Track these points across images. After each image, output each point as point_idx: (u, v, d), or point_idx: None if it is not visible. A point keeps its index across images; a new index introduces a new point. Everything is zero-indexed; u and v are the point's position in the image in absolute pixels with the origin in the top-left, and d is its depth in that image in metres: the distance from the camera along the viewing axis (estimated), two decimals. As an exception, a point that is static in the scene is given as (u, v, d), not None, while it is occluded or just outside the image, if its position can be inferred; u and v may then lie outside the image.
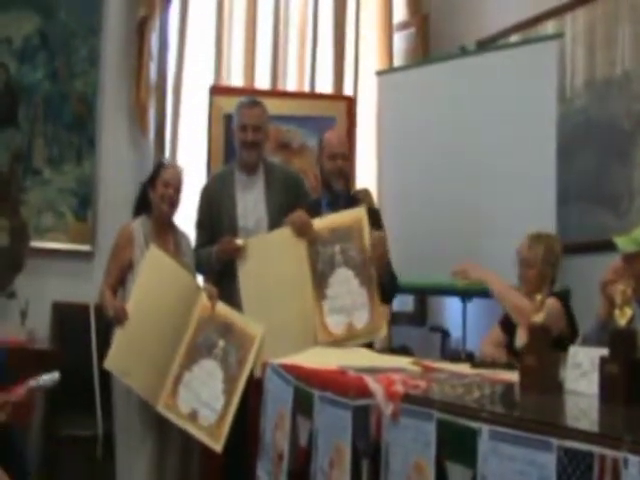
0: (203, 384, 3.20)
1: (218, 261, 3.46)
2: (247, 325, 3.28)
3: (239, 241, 3.39)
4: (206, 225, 3.60)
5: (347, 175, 3.57)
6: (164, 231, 3.42)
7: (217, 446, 3.15)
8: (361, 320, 3.32)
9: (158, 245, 3.30)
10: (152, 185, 3.41)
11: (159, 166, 3.52)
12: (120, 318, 3.16)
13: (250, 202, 3.59)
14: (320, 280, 3.34)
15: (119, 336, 3.17)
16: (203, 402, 3.17)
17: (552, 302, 2.80)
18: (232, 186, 3.59)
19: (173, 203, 3.41)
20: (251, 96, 3.78)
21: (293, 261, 3.36)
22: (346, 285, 3.34)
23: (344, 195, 3.54)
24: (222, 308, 3.32)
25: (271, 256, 3.39)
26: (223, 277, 3.49)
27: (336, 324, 3.30)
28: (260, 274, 3.37)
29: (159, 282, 3.25)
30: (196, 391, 3.18)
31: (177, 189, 3.41)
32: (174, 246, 3.42)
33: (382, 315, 3.33)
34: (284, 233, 3.39)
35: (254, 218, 3.57)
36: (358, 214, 3.41)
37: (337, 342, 3.26)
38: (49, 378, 2.81)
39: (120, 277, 3.35)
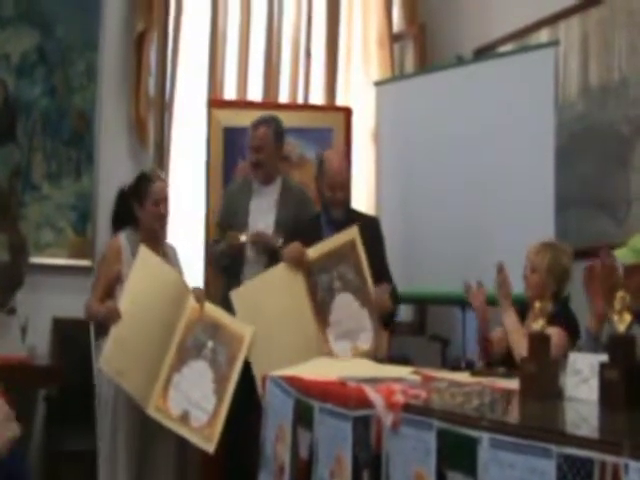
0: (193, 385, 3.17)
1: (222, 255, 3.67)
2: (236, 325, 3.28)
3: (243, 237, 3.54)
4: (223, 224, 3.80)
5: (347, 203, 3.60)
6: (151, 243, 3.38)
7: (209, 447, 3.12)
8: (366, 341, 3.35)
9: None
10: (138, 200, 3.37)
11: (144, 179, 3.43)
12: (114, 317, 3.13)
13: (262, 209, 3.71)
14: (322, 308, 3.37)
15: (113, 335, 3.13)
16: (194, 403, 3.15)
17: (554, 332, 2.75)
18: (249, 192, 3.76)
19: (166, 219, 3.41)
20: (265, 113, 3.88)
21: (292, 295, 3.38)
22: (347, 309, 3.36)
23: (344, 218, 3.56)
24: (210, 309, 3.33)
25: (269, 295, 3.40)
26: (230, 274, 3.66)
27: (342, 350, 3.33)
28: (259, 314, 3.37)
29: (149, 282, 3.24)
30: (186, 392, 3.16)
31: (167, 203, 3.41)
32: (162, 257, 3.39)
33: (384, 336, 3.38)
34: (279, 270, 3.40)
35: (262, 225, 3.67)
36: (350, 235, 3.41)
37: None
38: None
39: (107, 291, 3.31)
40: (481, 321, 3.13)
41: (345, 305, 3.36)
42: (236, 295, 3.43)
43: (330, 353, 3.31)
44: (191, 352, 3.22)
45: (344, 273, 3.37)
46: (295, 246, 3.40)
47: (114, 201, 3.53)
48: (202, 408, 3.14)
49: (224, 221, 3.82)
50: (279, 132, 3.76)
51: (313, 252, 3.39)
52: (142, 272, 3.21)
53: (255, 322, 3.34)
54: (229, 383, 3.17)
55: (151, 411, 3.13)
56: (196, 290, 3.38)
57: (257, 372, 3.23)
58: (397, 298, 3.52)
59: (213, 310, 3.33)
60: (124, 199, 3.45)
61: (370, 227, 3.52)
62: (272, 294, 3.39)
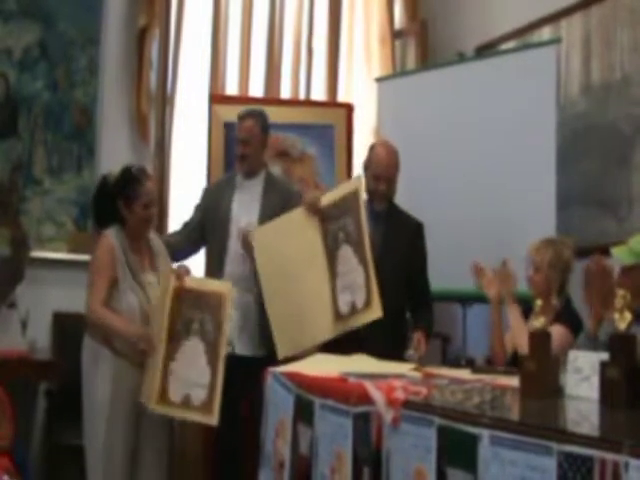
0: (189, 367, 3.13)
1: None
2: (214, 286, 3.27)
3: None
4: (195, 217, 3.77)
5: (390, 197, 3.59)
6: (138, 240, 3.30)
7: (212, 420, 3.09)
8: (360, 300, 3.29)
9: (134, 255, 3.23)
10: (125, 200, 3.23)
11: (133, 180, 3.25)
12: (150, 350, 3.10)
13: (245, 203, 3.67)
14: (331, 257, 3.37)
15: (151, 368, 3.11)
16: (192, 384, 3.12)
17: (557, 330, 2.74)
18: (232, 188, 3.72)
19: (154, 220, 3.38)
20: (250, 106, 3.84)
21: (307, 239, 3.41)
22: (349, 262, 3.33)
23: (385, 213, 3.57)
24: (190, 280, 3.26)
25: (286, 236, 3.45)
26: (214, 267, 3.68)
27: (344, 303, 3.32)
28: (276, 254, 3.45)
29: (164, 299, 3.20)
30: (184, 377, 3.12)
31: (156, 203, 3.36)
32: (148, 250, 3.32)
33: (378, 296, 3.24)
34: (297, 214, 3.45)
35: (246, 219, 3.63)
36: (355, 185, 3.41)
37: (342, 323, 3.29)
38: None
39: (108, 293, 3.18)
40: (496, 315, 3.10)
41: (347, 258, 3.34)
42: (258, 233, 3.50)
43: (334, 304, 3.31)
44: (181, 335, 3.17)
45: (346, 225, 3.35)
46: (314, 192, 3.46)
47: (96, 194, 3.37)
48: (200, 385, 3.11)
49: (197, 214, 3.77)
50: (265, 125, 3.73)
51: (324, 199, 3.42)
52: (164, 294, 3.19)
53: (272, 261, 3.44)
54: (220, 347, 3.13)
55: (153, 406, 3.12)
56: (177, 270, 3.28)
57: (270, 310, 3.38)
58: (431, 324, 3.58)
59: (192, 281, 3.27)
60: (108, 195, 3.28)
61: (413, 232, 3.56)
62: (289, 236, 3.44)
